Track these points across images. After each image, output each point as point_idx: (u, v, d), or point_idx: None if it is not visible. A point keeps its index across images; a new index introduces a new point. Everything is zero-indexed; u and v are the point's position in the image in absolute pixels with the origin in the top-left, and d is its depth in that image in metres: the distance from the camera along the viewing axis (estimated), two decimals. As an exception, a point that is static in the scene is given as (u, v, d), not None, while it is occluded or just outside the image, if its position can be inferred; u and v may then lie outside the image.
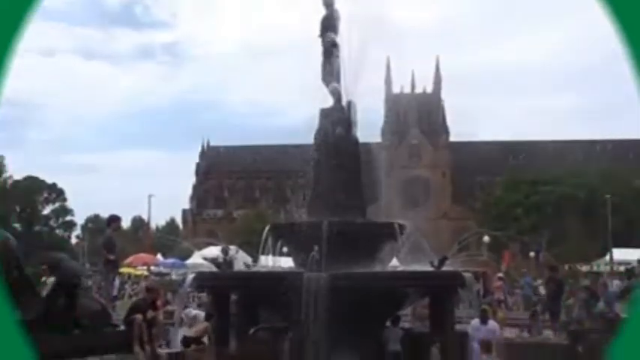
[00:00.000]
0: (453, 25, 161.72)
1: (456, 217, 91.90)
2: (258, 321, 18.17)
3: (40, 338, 12.42)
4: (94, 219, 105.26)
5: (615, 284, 26.93)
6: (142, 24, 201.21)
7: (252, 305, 17.97)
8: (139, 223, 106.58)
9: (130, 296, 30.40)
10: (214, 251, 25.94)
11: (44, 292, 13.19)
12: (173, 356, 14.68)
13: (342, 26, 18.72)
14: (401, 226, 18.02)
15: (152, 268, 43.45)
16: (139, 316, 14.22)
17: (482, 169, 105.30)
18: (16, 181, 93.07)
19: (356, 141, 19.03)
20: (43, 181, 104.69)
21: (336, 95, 18.74)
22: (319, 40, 18.84)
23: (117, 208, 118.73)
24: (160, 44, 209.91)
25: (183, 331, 17.84)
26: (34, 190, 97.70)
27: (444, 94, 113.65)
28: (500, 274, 32.06)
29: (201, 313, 19.36)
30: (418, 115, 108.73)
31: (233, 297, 18.31)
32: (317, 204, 18.54)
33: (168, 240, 64.88)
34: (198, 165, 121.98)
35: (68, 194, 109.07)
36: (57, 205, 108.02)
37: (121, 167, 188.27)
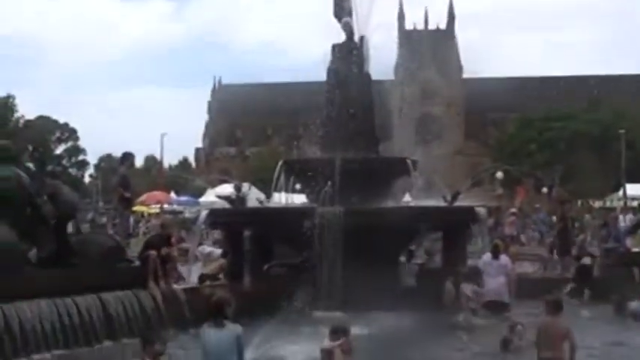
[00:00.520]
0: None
1: (469, 153, 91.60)
2: (272, 257, 18.29)
3: (55, 274, 12.62)
4: (107, 158, 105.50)
5: (628, 219, 26.83)
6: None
7: (265, 241, 18.05)
8: (151, 162, 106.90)
9: (144, 234, 30.65)
10: (228, 189, 26.01)
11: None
12: (188, 292, 14.77)
13: (354, -40, 18.43)
14: (414, 162, 17.99)
15: (165, 206, 43.67)
16: (153, 252, 14.31)
17: (495, 105, 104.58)
18: (28, 121, 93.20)
19: (368, 77, 18.90)
20: (55, 121, 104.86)
21: (349, 30, 18.54)
22: (331, -25, 18.57)
23: (129, 147, 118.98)
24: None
25: (199, 268, 17.98)
26: (46, 129, 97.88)
27: (457, 31, 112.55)
28: (514, 210, 32.01)
29: (216, 250, 19.48)
30: (431, 52, 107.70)
31: (247, 233, 18.40)
32: (330, 140, 18.49)
33: (181, 178, 65.07)
34: (209, 103, 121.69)
35: (80, 134, 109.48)
36: (69, 144, 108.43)
37: (132, 106, 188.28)
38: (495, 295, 15.60)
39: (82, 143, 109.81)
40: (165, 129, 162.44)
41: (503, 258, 16.26)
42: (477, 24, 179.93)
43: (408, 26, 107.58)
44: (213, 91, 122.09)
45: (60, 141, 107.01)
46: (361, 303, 13.90)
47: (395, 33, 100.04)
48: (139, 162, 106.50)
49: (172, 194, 50.41)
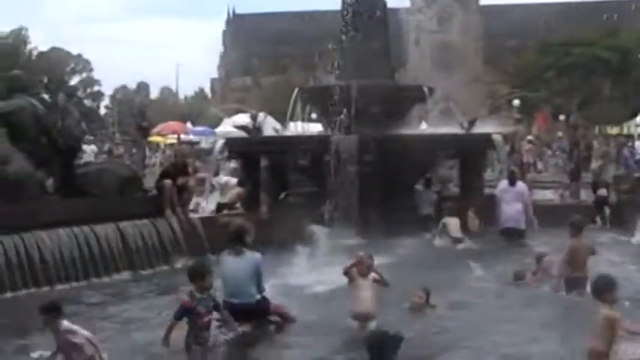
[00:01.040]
0: None
1: (487, 81, 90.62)
2: (289, 186, 18.31)
3: (73, 203, 12.71)
4: (122, 89, 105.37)
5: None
6: None
7: (282, 170, 18.05)
8: (167, 93, 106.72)
9: (161, 164, 30.73)
10: (244, 118, 25.91)
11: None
12: (205, 221, 14.83)
13: None
14: (430, 89, 17.83)
15: (182, 136, 43.65)
16: (168, 181, 14.34)
17: (513, 32, 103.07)
18: (42, 53, 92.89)
19: (384, 4, 18.60)
20: (68, 53, 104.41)
21: (363, -43, 18.17)
22: None
23: (144, 78, 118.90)
24: None
25: (215, 198, 18.02)
26: (60, 61, 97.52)
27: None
28: (530, 137, 31.83)
29: (232, 179, 19.49)
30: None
31: (263, 163, 18.38)
32: (345, 68, 18.32)
33: (197, 108, 64.94)
34: (224, 33, 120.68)
35: (94, 65, 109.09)
36: (84, 75, 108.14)
37: (146, 37, 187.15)
38: (512, 222, 15.55)
39: (96, 75, 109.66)
40: (181, 60, 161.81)
41: (520, 185, 16.14)
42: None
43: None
44: (228, 21, 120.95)
45: (74, 72, 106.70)
46: (378, 231, 13.94)
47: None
48: (154, 94, 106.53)
49: (188, 124, 50.32)
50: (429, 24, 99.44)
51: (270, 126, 21.13)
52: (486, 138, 16.48)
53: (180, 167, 15.19)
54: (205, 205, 16.96)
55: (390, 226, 14.74)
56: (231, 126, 29.58)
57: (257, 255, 8.70)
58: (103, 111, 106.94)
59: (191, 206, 15.47)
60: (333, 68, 18.92)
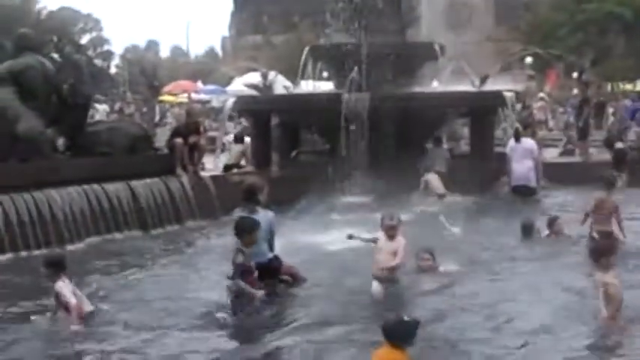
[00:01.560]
0: None
1: (499, 38, 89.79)
2: (300, 144, 18.28)
3: (84, 162, 12.73)
4: (132, 49, 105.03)
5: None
6: None
7: (292, 128, 18.01)
8: (177, 52, 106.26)
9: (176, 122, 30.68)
10: (255, 77, 25.80)
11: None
12: (215, 179, 14.84)
13: None
14: (441, 47, 17.66)
15: (192, 95, 43.51)
16: (179, 140, 14.33)
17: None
18: (51, 12, 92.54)
19: (394, -41, 18.36)
20: (78, 12, 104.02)
21: None
22: None
23: (155, 38, 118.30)
24: None
25: (226, 157, 18.02)
26: (69, 20, 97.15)
27: None
28: (542, 94, 31.55)
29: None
30: None
31: (274, 121, 18.34)
32: (357, 26, 18.14)
33: (208, 66, 64.64)
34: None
35: (104, 24, 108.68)
36: (93, 34, 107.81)
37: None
38: (522, 180, 15.50)
39: (105, 34, 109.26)
40: (191, 19, 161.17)
41: (527, 141, 15.98)
42: None
43: None
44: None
45: (84, 31, 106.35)
46: (389, 188, 13.90)
47: None
48: (164, 53, 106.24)
49: (199, 83, 50.13)
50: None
51: (280, 85, 21.04)
52: (498, 95, 16.35)
53: (192, 126, 15.17)
54: (214, 164, 16.95)
55: (401, 185, 14.72)
56: (242, 85, 29.46)
57: (270, 213, 8.66)
58: (113, 70, 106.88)
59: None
60: (344, 25, 18.74)
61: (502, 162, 15.98)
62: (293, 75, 21.58)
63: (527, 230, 11.21)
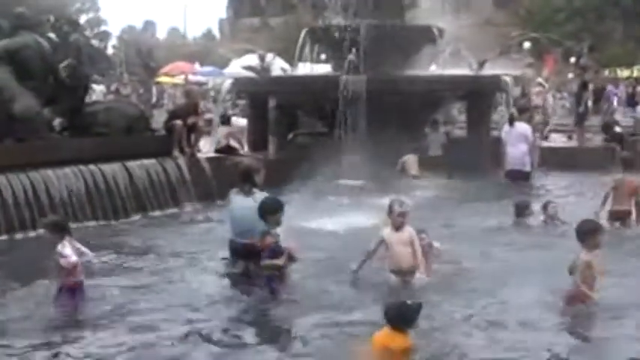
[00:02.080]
0: None
1: (498, 23, 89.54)
2: (297, 126, 18.25)
3: (80, 142, 12.71)
4: (129, 30, 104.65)
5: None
6: None
7: (290, 110, 17.98)
8: (175, 34, 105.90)
9: (172, 104, 30.60)
10: (253, 59, 25.72)
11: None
12: (212, 161, 14.80)
13: None
14: (440, 30, 17.62)
15: (190, 76, 43.42)
16: (178, 122, 14.29)
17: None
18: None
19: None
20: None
21: None
22: None
23: (152, 19, 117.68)
24: None
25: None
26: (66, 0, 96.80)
27: None
28: (540, 80, 31.49)
29: (240, 120, 19.44)
30: None
31: (271, 103, 18.31)
32: (355, 8, 18.09)
33: (206, 48, 64.43)
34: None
35: (101, 5, 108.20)
36: (91, 15, 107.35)
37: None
38: (516, 164, 15.51)
39: (103, 15, 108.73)
40: (188, 1, 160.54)
41: (521, 126, 15.97)
42: None
43: None
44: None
45: (81, 12, 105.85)
46: (386, 171, 13.92)
47: None
48: (161, 34, 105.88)
49: (196, 65, 50.02)
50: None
51: (278, 67, 20.98)
52: (495, 80, 16.36)
53: (190, 107, 15.11)
54: (210, 146, 16.89)
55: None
56: (239, 67, 29.37)
57: (266, 195, 8.65)
58: (110, 51, 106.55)
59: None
60: (342, 7, 18.68)
61: (498, 146, 16.00)
62: (290, 58, 21.55)
63: (521, 210, 11.21)
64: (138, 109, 15.25)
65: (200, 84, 41.75)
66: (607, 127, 18.92)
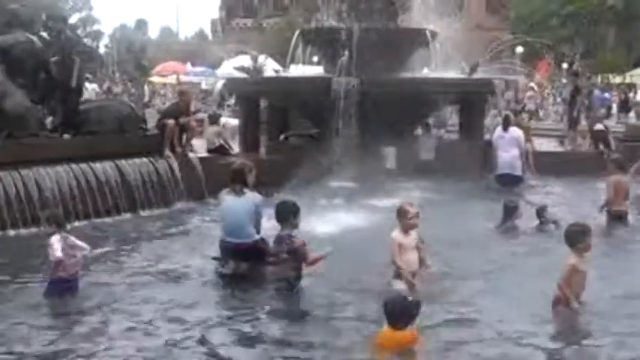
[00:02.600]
0: None
1: (489, 27, 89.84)
2: (289, 127, 18.25)
3: (71, 141, 12.68)
4: (121, 29, 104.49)
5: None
6: None
7: (282, 111, 17.98)
8: (167, 33, 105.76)
9: (164, 104, 30.59)
10: (245, 60, 25.75)
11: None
12: (203, 160, 14.78)
13: None
14: (432, 33, 17.64)
15: (182, 76, 43.41)
16: (171, 121, 14.27)
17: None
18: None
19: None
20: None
21: None
22: None
23: (144, 17, 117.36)
24: None
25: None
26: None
27: None
28: (532, 84, 31.65)
29: (231, 120, 19.42)
30: None
31: (263, 104, 18.32)
32: (347, 11, 18.11)
33: (198, 47, 64.37)
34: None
35: (94, 3, 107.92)
36: (83, 14, 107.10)
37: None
38: (507, 168, 15.53)
39: (95, 14, 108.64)
40: (180, 0, 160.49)
41: (514, 130, 16.02)
42: None
43: None
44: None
45: (74, 10, 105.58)
46: (377, 174, 13.93)
47: None
48: (154, 34, 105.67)
49: (188, 65, 50.01)
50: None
51: (270, 68, 21.01)
52: (487, 83, 16.40)
53: (183, 107, 15.11)
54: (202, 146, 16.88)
55: (389, 170, 14.77)
56: (231, 67, 29.41)
57: (257, 196, 8.66)
58: (102, 50, 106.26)
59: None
60: (335, 10, 18.70)
61: (489, 150, 16.03)
62: (283, 59, 21.59)
63: (510, 211, 11.26)
64: (130, 108, 15.21)
65: (192, 84, 41.80)
66: (590, 129, 19.10)
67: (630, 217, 11.51)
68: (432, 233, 8.59)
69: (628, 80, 46.33)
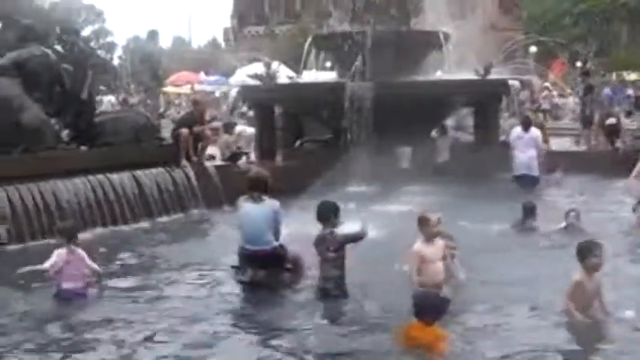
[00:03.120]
0: None
1: (503, 27, 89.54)
2: (304, 134, 18.25)
3: (88, 152, 12.74)
4: (135, 40, 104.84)
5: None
6: None
7: (296, 117, 17.99)
8: (179, 43, 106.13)
9: (178, 113, 30.64)
10: (258, 68, 25.73)
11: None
12: (220, 169, 14.82)
13: None
14: (446, 35, 17.61)
15: (196, 86, 43.50)
16: (185, 130, 14.31)
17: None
18: (54, 3, 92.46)
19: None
20: (80, 3, 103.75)
21: None
22: None
23: (156, 28, 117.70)
24: None
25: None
26: (72, 11, 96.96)
27: None
28: (547, 84, 31.50)
29: (248, 129, 19.43)
30: None
31: (278, 111, 18.32)
32: (360, 14, 18.11)
33: (211, 56, 64.49)
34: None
35: (107, 15, 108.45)
36: (96, 26, 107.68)
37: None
38: (524, 169, 15.47)
39: (108, 26, 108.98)
40: (193, 10, 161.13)
41: (534, 131, 15.98)
42: None
43: None
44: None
45: (87, 23, 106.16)
46: (392, 178, 13.90)
47: None
48: (166, 44, 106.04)
49: (202, 74, 50.10)
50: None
51: (284, 75, 21.00)
52: (502, 84, 16.34)
53: (198, 116, 15.15)
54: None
55: (405, 173, 14.74)
56: (245, 75, 29.39)
57: (275, 203, 8.62)
58: (116, 62, 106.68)
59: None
60: (347, 15, 18.71)
61: (506, 151, 15.96)
62: (296, 66, 21.59)
63: (529, 211, 11.23)
64: (146, 118, 15.28)
65: (206, 93, 41.89)
66: (602, 124, 19.01)
67: None
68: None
69: (642, 78, 46.07)
